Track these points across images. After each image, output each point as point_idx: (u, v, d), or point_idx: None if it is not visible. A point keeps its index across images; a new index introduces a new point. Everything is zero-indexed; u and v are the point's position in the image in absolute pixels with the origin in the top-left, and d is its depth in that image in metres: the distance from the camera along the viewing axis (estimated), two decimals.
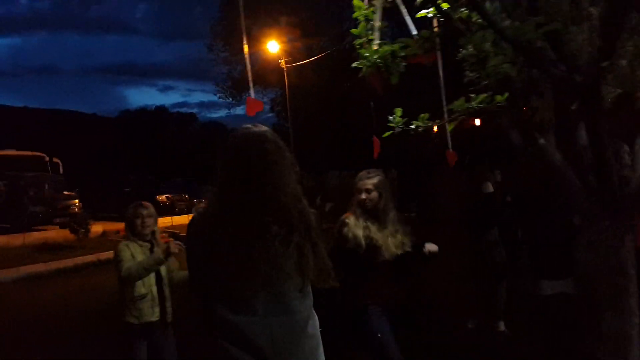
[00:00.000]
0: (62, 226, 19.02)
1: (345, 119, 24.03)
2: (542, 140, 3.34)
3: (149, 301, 4.14)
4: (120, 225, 21.48)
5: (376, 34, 3.45)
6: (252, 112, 5.21)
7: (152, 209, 4.28)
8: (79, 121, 53.34)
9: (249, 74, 4.95)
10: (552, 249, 4.19)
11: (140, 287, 4.14)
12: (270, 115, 34.80)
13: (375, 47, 3.36)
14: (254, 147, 2.12)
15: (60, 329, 8.33)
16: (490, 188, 6.87)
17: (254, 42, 24.96)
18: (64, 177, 21.83)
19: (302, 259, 2.05)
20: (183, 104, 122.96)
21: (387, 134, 3.76)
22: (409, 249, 3.76)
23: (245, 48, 5.46)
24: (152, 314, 4.16)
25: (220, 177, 2.12)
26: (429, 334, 5.34)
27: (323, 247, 2.13)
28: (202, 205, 2.30)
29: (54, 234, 18.54)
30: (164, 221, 23.17)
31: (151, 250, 4.21)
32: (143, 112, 58.78)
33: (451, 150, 5.82)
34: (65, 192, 20.54)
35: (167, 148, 45.10)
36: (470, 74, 3.54)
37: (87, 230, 18.71)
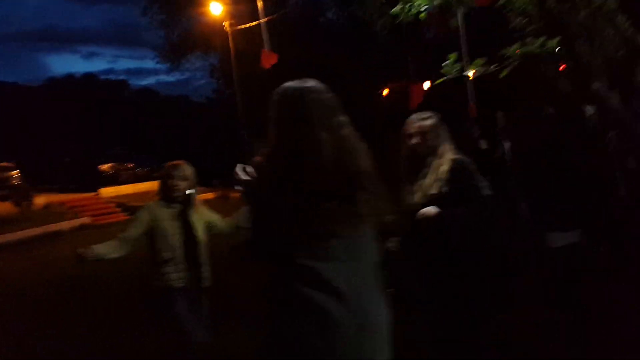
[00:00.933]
0: (2, 199, 18.15)
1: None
2: (596, 85, 3.33)
3: (172, 266, 3.98)
4: (65, 197, 20.88)
5: None
6: (268, 64, 5.16)
7: (187, 171, 4.08)
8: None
9: (263, 26, 4.86)
10: (563, 200, 4.16)
11: (165, 251, 4.00)
12: (203, 82, 33.93)
13: None
14: (313, 100, 2.11)
15: (21, 305, 8.05)
16: (485, 144, 7.08)
17: (195, 3, 24.24)
18: None
19: (369, 207, 2.09)
20: (109, 71, 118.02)
21: (439, 80, 3.74)
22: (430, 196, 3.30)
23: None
24: (177, 280, 3.99)
25: (280, 130, 2.11)
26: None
27: (384, 194, 2.16)
28: (258, 160, 2.17)
29: None
30: (109, 191, 22.48)
31: (182, 214, 4.06)
32: (70, 79, 56.10)
33: (472, 103, 5.75)
34: (1, 164, 19.50)
35: (101, 116, 43.29)
36: (516, 19, 3.49)
37: (31, 203, 17.96)
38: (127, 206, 20.79)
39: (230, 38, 22.17)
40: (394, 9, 3.56)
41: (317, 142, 2.03)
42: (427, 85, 20.41)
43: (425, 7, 3.55)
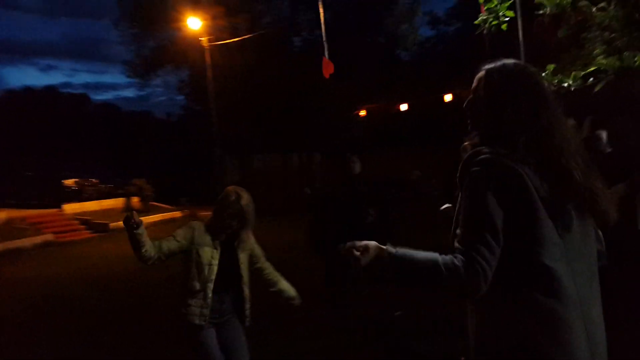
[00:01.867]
0: None
1: (270, 101, 23.49)
2: None
3: (199, 300, 3.52)
4: (26, 213, 19.78)
5: None
6: (327, 73, 4.89)
7: (246, 202, 3.58)
8: None
9: (324, 35, 4.52)
10: None
11: (195, 280, 3.54)
12: (163, 98, 33.41)
13: None
14: (540, 80, 1.91)
15: None
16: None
17: (169, 18, 23.75)
18: None
19: (592, 202, 1.85)
20: (67, 85, 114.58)
21: None
22: None
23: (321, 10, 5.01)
24: (200, 316, 3.54)
25: (508, 110, 1.84)
26: None
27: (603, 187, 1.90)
28: (476, 150, 1.87)
29: None
30: (72, 207, 21.46)
31: (226, 245, 3.65)
32: (29, 92, 54.35)
33: None
34: None
35: (62, 130, 41.85)
36: (605, 33, 3.34)
37: None
38: (91, 223, 19.85)
39: (207, 54, 21.59)
40: (478, 20, 3.38)
41: (555, 122, 1.83)
42: (404, 107, 20.34)
43: (509, 18, 3.39)
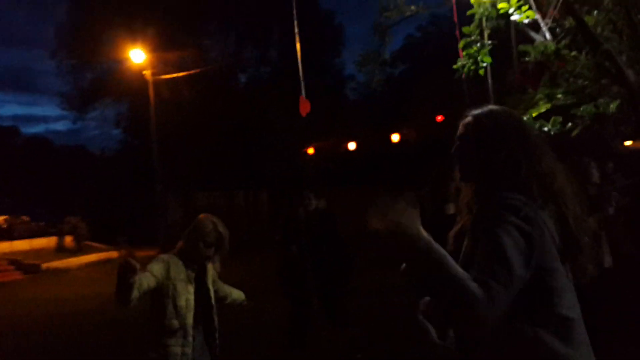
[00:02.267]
0: None
1: (215, 137, 23.04)
2: None
3: (179, 338, 3.24)
4: None
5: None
6: (304, 112, 4.70)
7: (222, 231, 3.42)
8: None
9: (301, 74, 4.36)
10: None
11: (172, 318, 3.24)
12: (97, 132, 32.42)
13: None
14: (532, 129, 2.01)
15: None
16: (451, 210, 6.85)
17: (110, 49, 23.15)
18: None
19: (575, 255, 1.82)
20: None
21: None
22: None
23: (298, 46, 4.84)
24: (182, 356, 3.27)
25: (507, 162, 1.79)
26: None
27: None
28: (495, 197, 1.77)
29: None
30: (1, 247, 20.12)
31: (198, 277, 3.42)
32: None
33: None
34: None
35: None
36: (581, 81, 3.39)
37: None
38: (21, 264, 18.58)
39: (150, 87, 21.03)
40: (456, 64, 3.51)
41: (553, 166, 1.83)
42: (352, 145, 20.36)
43: (486, 63, 3.52)
